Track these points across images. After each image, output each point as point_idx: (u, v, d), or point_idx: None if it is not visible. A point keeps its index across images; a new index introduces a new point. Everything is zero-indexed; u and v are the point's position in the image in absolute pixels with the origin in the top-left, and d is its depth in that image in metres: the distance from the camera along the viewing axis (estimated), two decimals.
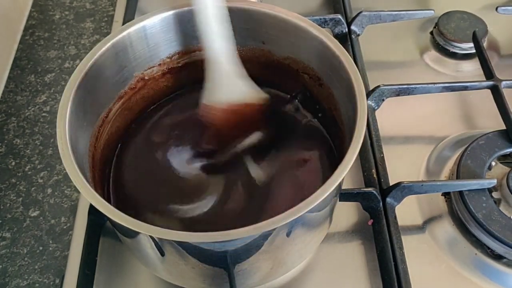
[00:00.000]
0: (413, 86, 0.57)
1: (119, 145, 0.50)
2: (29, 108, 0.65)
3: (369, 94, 0.57)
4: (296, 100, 0.51)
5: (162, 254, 0.40)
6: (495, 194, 0.51)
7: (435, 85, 0.58)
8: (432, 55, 0.67)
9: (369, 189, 0.50)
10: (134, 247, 0.43)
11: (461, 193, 0.50)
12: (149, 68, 0.49)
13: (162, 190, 0.48)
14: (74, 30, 0.73)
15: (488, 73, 0.59)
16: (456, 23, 0.67)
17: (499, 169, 0.53)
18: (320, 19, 0.64)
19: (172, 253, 0.39)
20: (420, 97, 0.58)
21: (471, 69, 0.65)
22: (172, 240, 0.36)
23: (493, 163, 0.53)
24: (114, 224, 0.42)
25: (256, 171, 0.48)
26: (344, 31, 0.66)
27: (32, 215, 0.56)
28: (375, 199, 0.50)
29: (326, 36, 0.44)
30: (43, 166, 0.60)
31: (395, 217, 0.50)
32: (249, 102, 0.47)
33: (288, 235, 0.39)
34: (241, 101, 0.47)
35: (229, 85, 0.46)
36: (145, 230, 0.35)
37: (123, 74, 0.48)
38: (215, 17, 0.42)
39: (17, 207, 0.56)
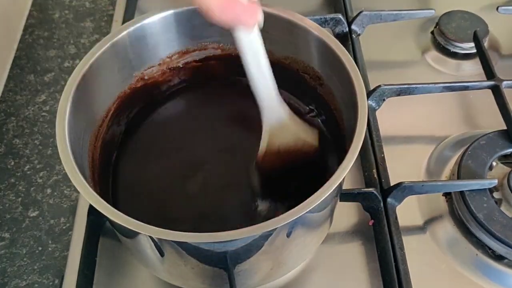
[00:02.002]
0: (413, 86, 0.57)
1: (119, 145, 0.50)
2: (29, 107, 0.65)
3: (369, 94, 0.57)
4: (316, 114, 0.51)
5: (162, 254, 0.39)
6: (496, 194, 0.51)
7: (436, 85, 0.57)
8: (433, 55, 0.66)
9: (370, 189, 0.50)
10: (133, 247, 0.43)
11: (462, 193, 0.50)
12: (148, 68, 0.49)
13: (163, 191, 0.47)
14: (73, 30, 0.73)
15: (489, 73, 0.59)
16: (457, 23, 0.66)
17: (500, 169, 0.53)
18: (321, 18, 0.64)
19: (171, 253, 0.39)
20: (421, 97, 0.58)
21: (472, 69, 0.65)
22: (172, 240, 0.36)
23: (494, 163, 0.53)
24: (113, 224, 0.41)
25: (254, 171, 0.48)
26: (344, 31, 0.66)
27: (32, 215, 0.56)
28: (376, 200, 0.50)
29: (326, 36, 0.44)
30: (43, 166, 0.59)
31: (396, 217, 0.50)
32: (304, 144, 0.45)
33: (288, 235, 0.39)
34: (295, 143, 0.45)
35: (284, 129, 0.44)
36: (145, 231, 0.35)
37: (123, 73, 0.47)
38: (264, 63, 0.42)
39: (16, 207, 0.56)
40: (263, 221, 0.34)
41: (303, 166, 0.46)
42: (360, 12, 0.66)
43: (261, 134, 0.48)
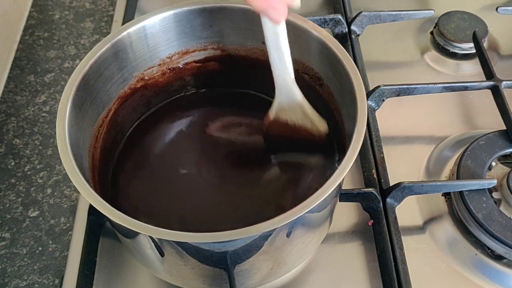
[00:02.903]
0: (413, 86, 0.57)
1: (119, 145, 0.50)
2: (29, 108, 0.65)
3: (369, 94, 0.57)
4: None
5: (162, 254, 0.40)
6: (495, 195, 0.51)
7: (435, 85, 0.57)
8: (432, 55, 0.66)
9: (369, 189, 0.50)
10: (133, 247, 0.43)
11: (461, 193, 0.50)
12: (149, 68, 0.49)
13: (163, 191, 0.47)
14: (73, 30, 0.73)
15: (488, 73, 0.59)
16: (456, 23, 0.66)
17: (499, 169, 0.53)
18: (320, 19, 0.64)
19: (171, 253, 0.39)
20: (420, 97, 0.58)
21: (471, 69, 0.65)
22: (172, 241, 0.36)
23: (493, 163, 0.53)
24: (113, 224, 0.42)
25: (255, 171, 0.48)
26: (344, 31, 0.66)
27: (32, 215, 0.56)
28: (375, 200, 0.50)
29: (326, 36, 0.44)
30: (43, 166, 0.59)
31: (395, 217, 0.50)
32: (312, 126, 0.47)
33: (288, 235, 0.39)
34: (304, 125, 0.47)
35: (294, 107, 0.47)
36: (145, 231, 0.35)
37: (123, 74, 0.48)
38: (284, 49, 0.44)
39: (16, 207, 0.56)
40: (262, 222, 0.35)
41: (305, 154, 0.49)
42: (360, 12, 0.66)
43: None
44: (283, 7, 0.40)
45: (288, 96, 0.46)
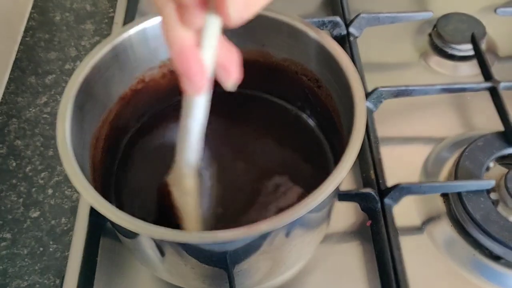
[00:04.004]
0: (411, 87, 0.58)
1: (120, 147, 0.51)
2: (30, 109, 0.65)
3: (367, 95, 0.58)
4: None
5: (162, 254, 0.40)
6: (493, 195, 0.51)
7: (434, 86, 0.58)
8: (430, 57, 0.67)
9: (367, 190, 0.50)
10: (134, 247, 0.43)
11: (459, 194, 0.51)
12: (149, 70, 0.50)
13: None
14: (74, 32, 0.73)
15: (487, 74, 0.60)
16: (455, 25, 0.67)
17: (497, 170, 0.54)
18: (319, 21, 0.65)
19: (172, 253, 0.39)
20: (419, 98, 0.58)
21: (469, 70, 0.65)
22: (172, 241, 0.36)
23: (491, 164, 0.54)
24: (114, 225, 0.42)
25: (254, 171, 0.49)
26: (342, 33, 0.66)
27: (33, 216, 0.56)
28: (373, 200, 0.50)
29: (324, 38, 0.45)
30: (44, 167, 0.60)
31: (393, 218, 0.50)
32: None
33: (287, 235, 0.39)
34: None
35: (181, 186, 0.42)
36: (145, 231, 0.35)
37: (123, 75, 0.48)
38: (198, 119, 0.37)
39: (17, 208, 0.57)
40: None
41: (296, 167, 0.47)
42: (358, 14, 0.66)
43: (262, 139, 0.49)
44: (201, 80, 0.32)
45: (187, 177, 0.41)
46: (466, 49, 0.65)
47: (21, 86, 0.67)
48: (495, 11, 0.68)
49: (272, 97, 0.54)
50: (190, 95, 0.34)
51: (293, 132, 0.52)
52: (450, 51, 0.66)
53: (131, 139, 0.51)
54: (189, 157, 0.39)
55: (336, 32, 0.66)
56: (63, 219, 0.56)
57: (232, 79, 0.35)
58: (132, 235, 0.39)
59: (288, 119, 0.53)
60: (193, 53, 0.31)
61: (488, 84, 0.58)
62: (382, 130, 0.57)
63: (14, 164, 0.60)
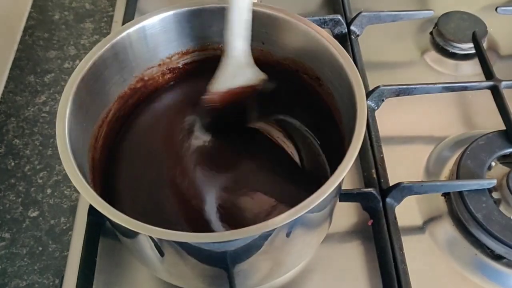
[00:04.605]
0: (412, 86, 0.57)
1: (119, 146, 0.50)
2: (29, 108, 0.65)
3: (368, 94, 0.57)
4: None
5: (162, 254, 0.40)
6: (495, 195, 0.51)
7: (435, 85, 0.58)
8: (431, 55, 0.67)
9: (369, 189, 0.50)
10: (133, 247, 0.43)
11: (461, 193, 0.50)
12: (148, 69, 0.50)
13: (163, 191, 0.48)
14: (73, 31, 0.73)
15: (488, 73, 0.59)
16: (456, 24, 0.67)
17: (499, 169, 0.53)
18: (320, 19, 0.64)
19: (171, 253, 0.39)
20: (420, 97, 0.58)
21: (471, 69, 0.65)
22: (172, 241, 0.36)
23: (493, 163, 0.53)
24: (113, 224, 0.42)
25: (254, 172, 0.48)
26: (343, 32, 0.66)
27: (32, 215, 0.56)
28: (375, 200, 0.50)
29: (326, 37, 0.44)
30: (43, 167, 0.60)
31: (395, 217, 0.50)
32: (249, 84, 0.47)
33: (288, 235, 0.39)
34: (242, 84, 0.47)
35: (239, 75, 0.46)
36: (145, 231, 0.35)
37: (123, 74, 0.48)
38: (244, 19, 0.43)
39: (16, 207, 0.56)
40: (262, 221, 0.35)
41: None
42: (359, 13, 0.66)
43: (261, 139, 0.49)
44: None
45: (238, 63, 0.46)
46: (468, 47, 0.65)
47: (20, 85, 0.67)
48: (495, 9, 0.68)
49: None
50: None
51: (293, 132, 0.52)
52: (451, 50, 0.66)
53: (131, 138, 0.51)
54: (238, 45, 0.44)
55: (337, 30, 0.66)
56: (62, 219, 0.56)
57: None
58: (132, 234, 0.39)
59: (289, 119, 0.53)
60: None
61: (490, 83, 0.58)
62: (383, 129, 0.57)
63: (12, 163, 0.60)
